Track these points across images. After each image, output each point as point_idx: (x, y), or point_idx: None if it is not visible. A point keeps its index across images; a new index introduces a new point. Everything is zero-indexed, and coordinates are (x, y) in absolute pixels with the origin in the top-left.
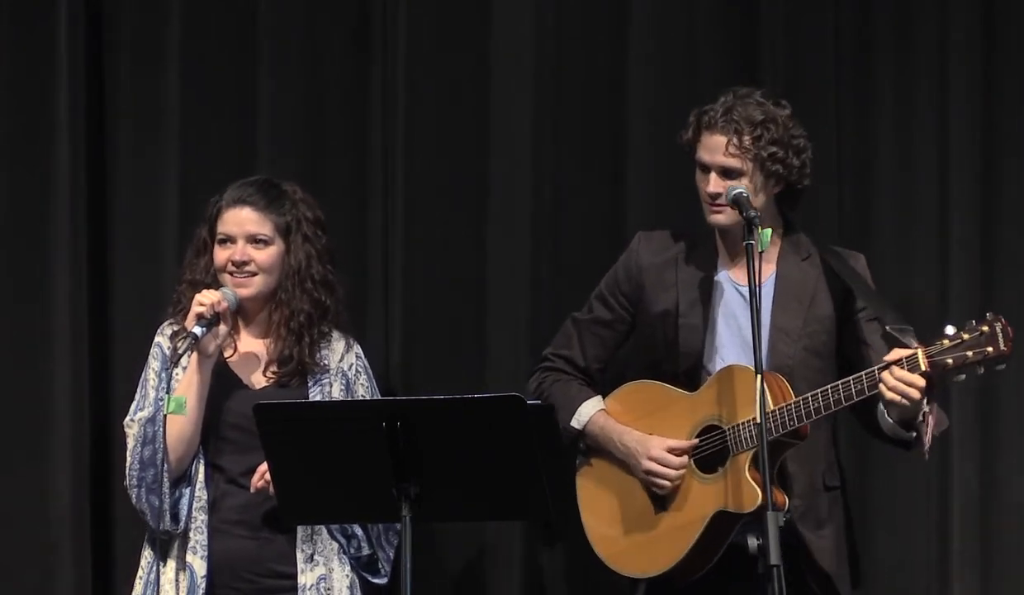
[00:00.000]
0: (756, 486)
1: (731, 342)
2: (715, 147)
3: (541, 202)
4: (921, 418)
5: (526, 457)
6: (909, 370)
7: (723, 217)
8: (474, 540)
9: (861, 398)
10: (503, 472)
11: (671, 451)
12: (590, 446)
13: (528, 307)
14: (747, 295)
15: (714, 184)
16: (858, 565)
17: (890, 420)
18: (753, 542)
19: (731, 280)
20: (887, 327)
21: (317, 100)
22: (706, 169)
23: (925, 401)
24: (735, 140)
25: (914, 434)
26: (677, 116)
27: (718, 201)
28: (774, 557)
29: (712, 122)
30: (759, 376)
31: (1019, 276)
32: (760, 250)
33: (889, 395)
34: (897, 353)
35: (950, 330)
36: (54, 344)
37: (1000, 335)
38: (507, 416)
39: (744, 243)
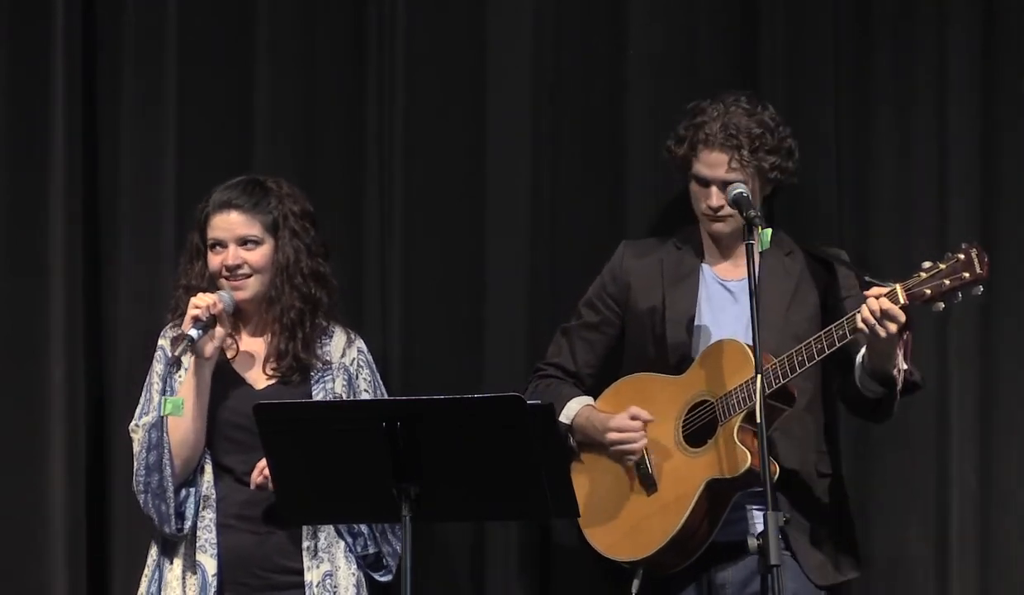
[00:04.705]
0: (744, 448)
1: (718, 335)
2: (716, 163)
3: (540, 201)
4: (899, 352)
5: (526, 457)
6: None
7: (724, 226)
8: (474, 540)
9: (844, 342)
10: (503, 472)
11: (632, 417)
12: (580, 442)
13: (527, 307)
14: (732, 290)
15: (716, 198)
16: (855, 552)
17: (866, 375)
18: (753, 542)
19: (715, 276)
20: (866, 277)
21: (314, 99)
22: (705, 183)
23: (901, 334)
24: (736, 156)
25: (884, 392)
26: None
27: (720, 213)
28: (774, 557)
29: (710, 139)
30: (759, 376)
31: (1019, 268)
32: (760, 250)
33: (868, 319)
34: (876, 290)
35: (926, 264)
36: (50, 345)
37: (976, 260)
38: (507, 416)
39: (744, 243)
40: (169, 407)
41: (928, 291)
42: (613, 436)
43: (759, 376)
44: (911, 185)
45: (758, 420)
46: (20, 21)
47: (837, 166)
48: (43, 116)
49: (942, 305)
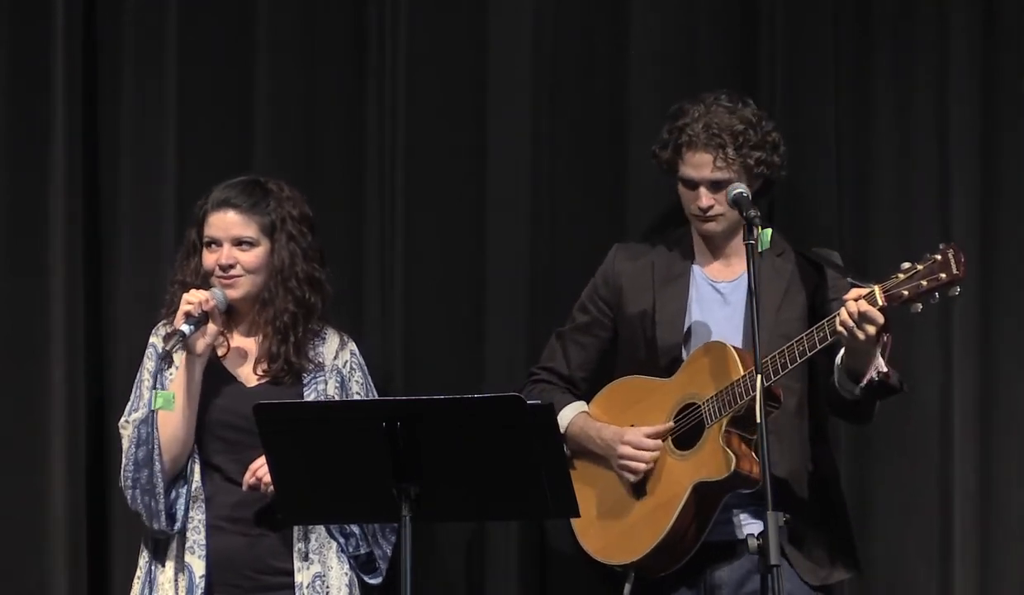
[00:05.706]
0: (729, 451)
1: (709, 337)
2: (701, 164)
3: (540, 201)
4: (879, 349)
5: (526, 457)
6: None
7: (715, 225)
8: (474, 540)
9: (825, 345)
10: (503, 472)
11: (648, 436)
12: (574, 450)
13: (527, 307)
14: (722, 292)
15: (705, 198)
16: (851, 552)
17: (845, 375)
18: (753, 542)
19: (706, 277)
20: (849, 279)
21: (314, 99)
22: (693, 185)
23: (880, 336)
24: (721, 154)
25: (860, 390)
26: None
27: (709, 213)
28: (774, 557)
29: (693, 140)
30: (759, 376)
31: (1019, 268)
32: (760, 250)
33: (846, 322)
34: (855, 292)
35: (905, 265)
36: (50, 344)
37: (952, 261)
38: (507, 416)
39: (744, 243)
40: (160, 401)
41: (906, 292)
42: (625, 450)
43: (759, 375)
44: (911, 185)
45: (758, 419)
46: (20, 21)
47: (837, 166)
48: (43, 116)
49: (920, 306)
